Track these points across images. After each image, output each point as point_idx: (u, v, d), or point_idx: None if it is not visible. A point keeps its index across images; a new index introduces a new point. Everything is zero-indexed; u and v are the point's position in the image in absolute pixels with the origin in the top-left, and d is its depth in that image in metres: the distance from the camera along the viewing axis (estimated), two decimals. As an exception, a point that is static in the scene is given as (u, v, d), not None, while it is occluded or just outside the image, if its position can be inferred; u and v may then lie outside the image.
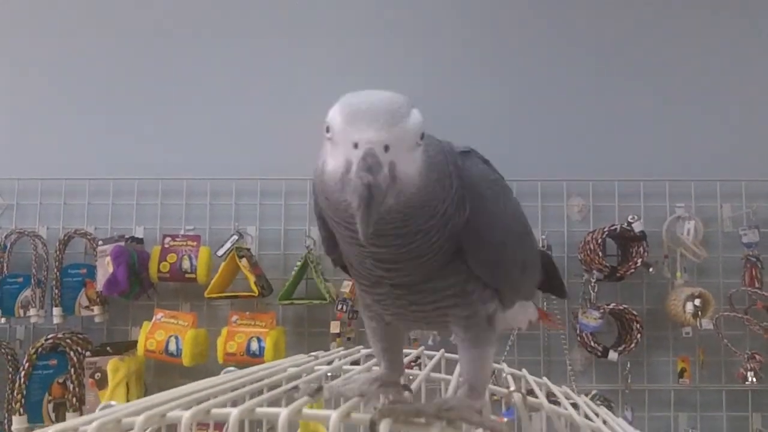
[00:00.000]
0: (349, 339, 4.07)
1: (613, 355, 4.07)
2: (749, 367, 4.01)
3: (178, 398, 1.10)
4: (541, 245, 4.20)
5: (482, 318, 1.32)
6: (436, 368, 1.84)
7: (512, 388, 1.58)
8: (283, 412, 0.97)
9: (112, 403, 1.23)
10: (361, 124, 1.06)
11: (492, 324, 1.33)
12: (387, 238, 1.15)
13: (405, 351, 2.01)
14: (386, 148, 1.05)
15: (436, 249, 1.20)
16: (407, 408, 1.16)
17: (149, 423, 0.96)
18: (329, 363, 1.73)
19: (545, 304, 4.18)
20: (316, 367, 1.64)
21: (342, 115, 1.10)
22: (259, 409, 1.03)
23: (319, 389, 1.29)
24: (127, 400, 3.84)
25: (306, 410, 1.04)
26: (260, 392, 1.25)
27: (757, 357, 4.03)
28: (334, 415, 0.97)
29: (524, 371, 1.88)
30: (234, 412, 0.96)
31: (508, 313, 1.43)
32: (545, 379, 1.86)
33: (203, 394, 1.18)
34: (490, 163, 1.37)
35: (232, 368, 1.67)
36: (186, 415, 0.95)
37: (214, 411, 1.01)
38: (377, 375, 1.45)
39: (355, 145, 1.05)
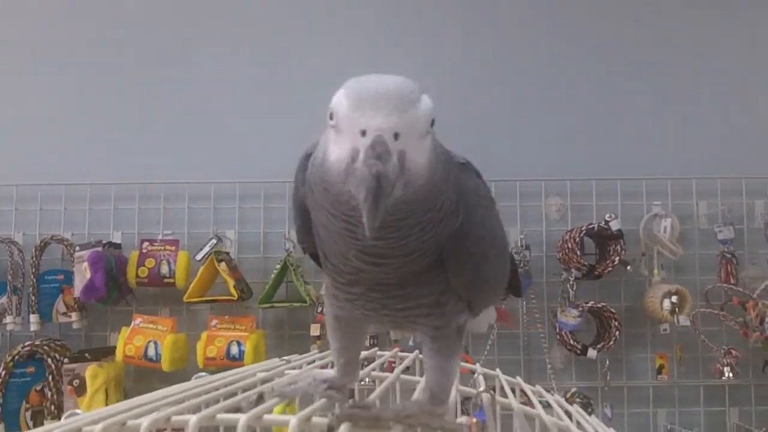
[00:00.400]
0: (326, 326, 4.06)
1: (592, 353, 4.09)
2: (726, 363, 4.04)
3: (142, 405, 1.10)
4: (520, 245, 4.22)
5: (452, 329, 1.29)
6: (411, 370, 1.84)
7: (481, 389, 1.58)
8: (242, 419, 0.96)
9: (78, 411, 1.22)
10: (369, 109, 1.00)
11: (460, 335, 1.31)
12: (386, 230, 1.09)
13: (379, 352, 2.01)
14: (396, 136, 0.99)
15: (425, 248, 1.16)
16: (366, 413, 1.13)
17: (108, 432, 0.95)
18: (301, 367, 1.72)
19: (525, 304, 4.21)
20: (287, 372, 1.64)
21: (348, 100, 1.04)
22: (219, 416, 1.02)
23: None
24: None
25: (267, 416, 1.03)
26: (229, 397, 1.24)
27: (734, 352, 4.05)
28: (293, 420, 0.97)
29: (498, 371, 1.88)
30: (193, 419, 0.95)
31: (475, 320, 1.41)
32: (518, 379, 1.86)
33: (168, 401, 1.17)
34: (483, 178, 1.33)
35: (203, 374, 1.66)
36: (144, 423, 0.94)
37: (174, 418, 1.00)
38: (327, 376, 1.42)
39: (363, 133, 0.99)
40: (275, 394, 1.28)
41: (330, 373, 1.45)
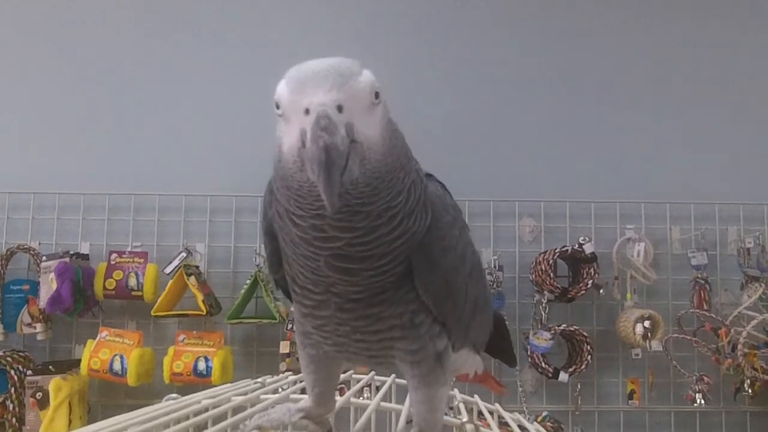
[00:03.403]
0: (299, 359, 4.01)
1: (563, 377, 4.07)
2: (698, 389, 4.03)
3: (113, 433, 1.05)
4: (493, 265, 4.20)
5: (430, 354, 1.25)
6: (386, 397, 1.80)
7: (465, 419, 1.54)
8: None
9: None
10: (309, 88, 1.02)
11: (442, 363, 1.27)
12: (354, 217, 1.09)
13: (355, 376, 1.97)
14: (340, 109, 1.01)
15: (396, 252, 1.14)
16: None
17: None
18: (276, 391, 1.67)
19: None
20: (262, 396, 1.59)
21: (289, 85, 1.06)
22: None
23: None
24: (70, 421, 3.75)
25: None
26: (200, 429, 1.19)
27: (706, 379, 4.04)
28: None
29: (476, 397, 1.85)
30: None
31: (456, 356, 1.38)
32: (497, 406, 1.83)
33: (138, 429, 1.12)
34: (449, 193, 1.33)
35: (174, 395, 1.60)
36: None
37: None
38: (302, 406, 1.39)
39: (306, 111, 1.01)
40: (252, 428, 1.25)
41: (305, 402, 1.41)
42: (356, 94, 1.04)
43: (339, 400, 1.58)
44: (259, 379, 1.84)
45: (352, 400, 1.68)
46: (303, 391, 1.73)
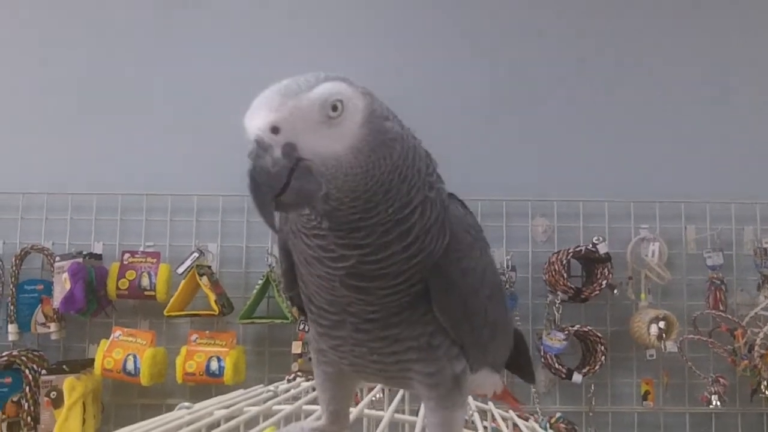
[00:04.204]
0: (311, 360, 4.00)
1: (577, 377, 4.04)
2: (713, 391, 3.99)
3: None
4: (505, 265, 4.17)
5: (447, 377, 1.23)
6: (400, 407, 1.78)
7: (480, 432, 1.53)
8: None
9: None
10: (251, 114, 1.04)
11: (459, 386, 1.24)
12: (356, 234, 1.08)
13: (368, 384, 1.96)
14: (275, 130, 1.01)
15: (411, 271, 1.12)
16: None
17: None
18: (289, 400, 1.66)
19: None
20: (275, 408, 1.58)
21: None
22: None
23: None
24: (84, 420, 3.76)
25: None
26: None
27: (722, 380, 4.01)
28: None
29: (491, 405, 1.83)
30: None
31: (475, 378, 1.35)
32: (511, 413, 1.81)
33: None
34: (471, 212, 1.31)
35: (187, 404, 1.58)
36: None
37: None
38: (315, 425, 1.37)
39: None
40: None
41: (319, 420, 1.39)
42: (298, 111, 1.02)
43: (352, 411, 1.56)
44: (272, 387, 1.83)
45: (366, 411, 1.67)
46: (316, 400, 1.72)
